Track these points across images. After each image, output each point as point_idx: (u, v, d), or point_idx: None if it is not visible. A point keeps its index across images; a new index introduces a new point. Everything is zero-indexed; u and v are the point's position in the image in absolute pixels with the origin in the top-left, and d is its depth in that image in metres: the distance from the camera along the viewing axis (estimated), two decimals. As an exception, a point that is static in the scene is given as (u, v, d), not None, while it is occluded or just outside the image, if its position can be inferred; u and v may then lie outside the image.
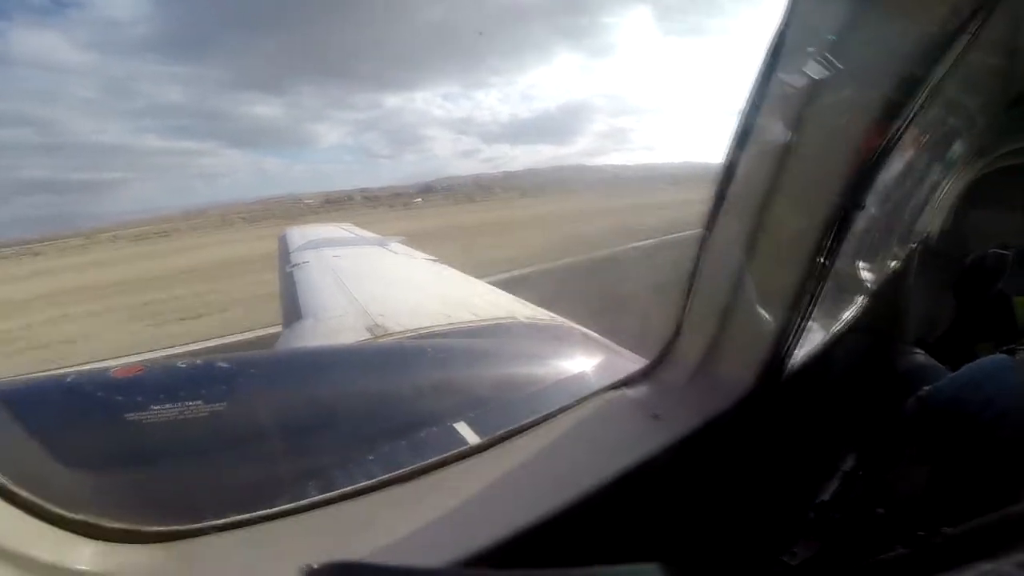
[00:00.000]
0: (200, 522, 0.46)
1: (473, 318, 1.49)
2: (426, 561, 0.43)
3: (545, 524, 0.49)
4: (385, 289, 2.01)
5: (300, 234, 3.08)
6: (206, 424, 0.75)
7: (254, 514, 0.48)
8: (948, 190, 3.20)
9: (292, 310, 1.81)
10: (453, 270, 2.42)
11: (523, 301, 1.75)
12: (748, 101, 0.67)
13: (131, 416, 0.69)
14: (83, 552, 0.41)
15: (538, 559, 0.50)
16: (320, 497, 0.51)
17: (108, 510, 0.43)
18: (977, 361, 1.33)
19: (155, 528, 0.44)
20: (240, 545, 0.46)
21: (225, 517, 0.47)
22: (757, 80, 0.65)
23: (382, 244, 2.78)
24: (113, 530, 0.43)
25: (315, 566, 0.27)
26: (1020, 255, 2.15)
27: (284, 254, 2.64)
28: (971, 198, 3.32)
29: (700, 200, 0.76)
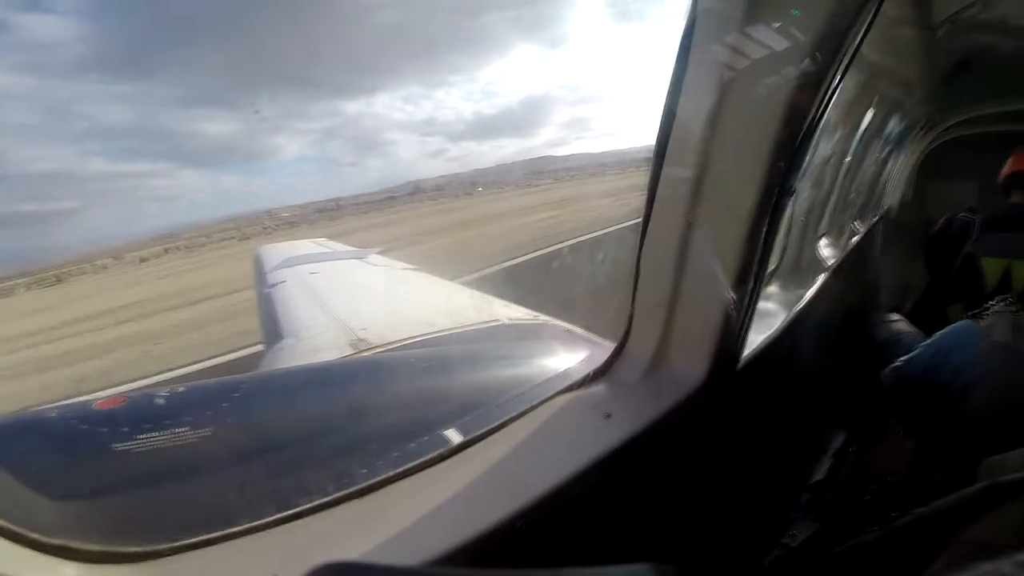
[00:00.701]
0: (180, 540, 0.47)
1: (456, 325, 1.50)
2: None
3: (498, 530, 0.50)
4: (365, 302, 2.00)
5: (275, 252, 3.01)
6: (191, 449, 0.76)
7: (228, 531, 0.49)
8: (903, 163, 3.30)
9: (272, 331, 1.79)
10: (434, 278, 2.42)
11: (506, 302, 1.76)
12: (670, 83, 0.64)
13: (110, 445, 0.70)
14: (63, 574, 0.42)
15: (497, 565, 0.51)
16: (286, 513, 0.52)
17: (87, 534, 0.44)
18: (947, 329, 1.37)
19: (133, 549, 0.45)
20: (217, 562, 0.47)
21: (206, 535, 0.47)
22: (677, 61, 0.63)
23: (359, 257, 2.76)
24: (91, 552, 0.44)
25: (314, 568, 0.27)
26: (988, 219, 2.19)
27: (260, 273, 2.59)
28: (926, 169, 3.43)
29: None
